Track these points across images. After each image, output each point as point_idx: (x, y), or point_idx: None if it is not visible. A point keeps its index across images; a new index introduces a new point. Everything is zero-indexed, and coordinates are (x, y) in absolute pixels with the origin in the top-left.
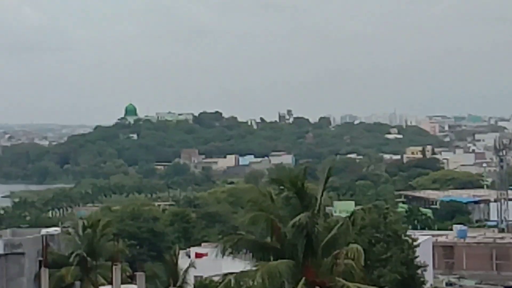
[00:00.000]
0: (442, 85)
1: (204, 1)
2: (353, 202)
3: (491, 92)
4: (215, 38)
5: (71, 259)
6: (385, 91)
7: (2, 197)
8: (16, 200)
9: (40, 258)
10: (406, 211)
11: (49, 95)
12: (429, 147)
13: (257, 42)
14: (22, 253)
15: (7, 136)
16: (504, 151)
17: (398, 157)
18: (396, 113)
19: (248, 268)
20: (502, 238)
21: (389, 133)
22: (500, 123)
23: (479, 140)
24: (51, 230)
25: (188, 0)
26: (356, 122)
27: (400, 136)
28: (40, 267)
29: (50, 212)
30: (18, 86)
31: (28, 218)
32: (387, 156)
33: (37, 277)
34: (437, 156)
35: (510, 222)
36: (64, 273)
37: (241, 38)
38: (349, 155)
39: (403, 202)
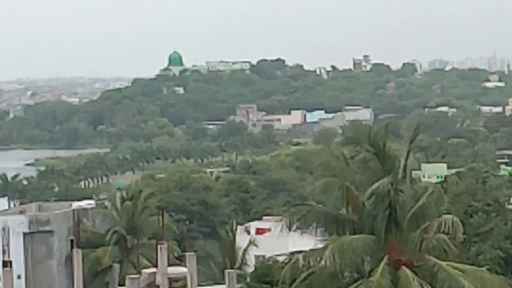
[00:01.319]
0: None
1: None
2: (445, 165)
3: None
4: None
5: (108, 238)
6: (482, 30)
7: (26, 165)
8: (42, 168)
9: (72, 237)
10: (510, 175)
11: (78, 43)
12: None
13: None
14: (51, 231)
15: (29, 92)
16: None
17: (500, 109)
18: (496, 56)
19: (319, 245)
20: None
21: (488, 80)
22: None
23: None
24: (84, 203)
25: None
26: (447, 68)
27: (501, 84)
28: (72, 247)
29: (82, 183)
30: (40, 32)
31: (56, 189)
32: (486, 109)
33: (69, 259)
34: None
35: None
36: (101, 254)
37: None
38: (439, 108)
39: (506, 164)
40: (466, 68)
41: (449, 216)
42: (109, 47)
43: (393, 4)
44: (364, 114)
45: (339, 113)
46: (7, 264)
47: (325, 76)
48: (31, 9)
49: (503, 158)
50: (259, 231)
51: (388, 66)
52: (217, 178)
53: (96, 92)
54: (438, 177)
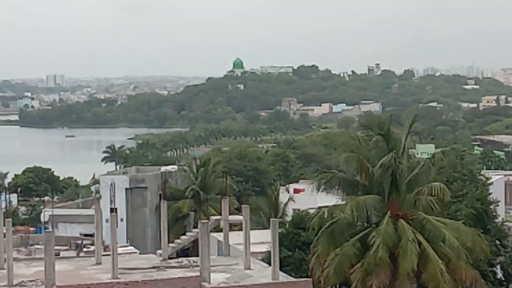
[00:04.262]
0: None
1: None
2: (433, 145)
3: None
4: (309, 1)
5: (186, 193)
6: (463, 46)
7: (128, 139)
8: (140, 142)
9: (160, 192)
10: (481, 153)
11: (168, 51)
12: (502, 97)
13: (351, 7)
14: (145, 187)
15: (132, 86)
16: None
17: (475, 105)
18: (473, 66)
19: (339, 202)
20: None
21: (467, 84)
22: None
23: None
24: (170, 168)
25: None
26: (437, 74)
27: (476, 86)
28: (160, 199)
29: (168, 152)
30: (140, 42)
31: (150, 157)
32: (464, 105)
33: (157, 208)
34: (510, 105)
35: None
36: (181, 205)
37: (333, 4)
38: (430, 104)
39: (479, 145)
40: (450, 74)
41: (438, 184)
42: (189, 54)
43: (399, 27)
44: (375, 107)
45: (356, 105)
46: (113, 210)
47: (347, 78)
48: (137, 24)
49: (476, 141)
50: (296, 191)
51: (393, 72)
52: (267, 151)
53: (180, 87)
54: (428, 154)
